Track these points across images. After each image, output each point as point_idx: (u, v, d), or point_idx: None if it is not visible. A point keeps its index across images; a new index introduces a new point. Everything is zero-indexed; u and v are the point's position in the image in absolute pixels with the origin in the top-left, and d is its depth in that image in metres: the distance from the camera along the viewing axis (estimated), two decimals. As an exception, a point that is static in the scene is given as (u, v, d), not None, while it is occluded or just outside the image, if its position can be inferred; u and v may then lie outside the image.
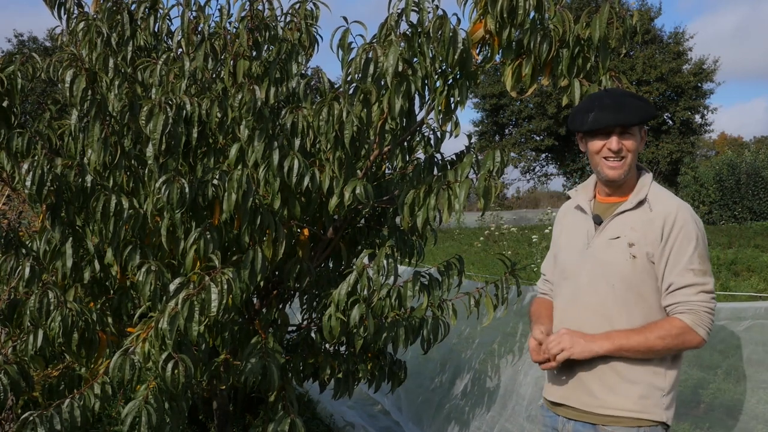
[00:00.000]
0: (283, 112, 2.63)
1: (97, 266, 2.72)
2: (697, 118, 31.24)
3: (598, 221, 2.10)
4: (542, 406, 2.24)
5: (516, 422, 3.47)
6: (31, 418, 2.40)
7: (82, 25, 2.93)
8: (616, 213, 2.05)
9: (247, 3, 2.74)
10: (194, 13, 2.86)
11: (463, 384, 4.07)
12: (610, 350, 1.95)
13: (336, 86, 3.14)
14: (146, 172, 2.68)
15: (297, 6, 3.07)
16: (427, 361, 4.37)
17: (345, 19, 2.65)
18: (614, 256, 2.01)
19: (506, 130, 34.27)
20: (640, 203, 2.03)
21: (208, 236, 2.45)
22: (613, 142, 2.01)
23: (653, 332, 1.92)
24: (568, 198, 2.28)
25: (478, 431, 3.72)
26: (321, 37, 3.08)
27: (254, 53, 2.78)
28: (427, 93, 2.61)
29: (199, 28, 2.86)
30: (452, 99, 2.55)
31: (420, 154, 3.15)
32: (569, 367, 2.07)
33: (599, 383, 2.00)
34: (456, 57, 2.38)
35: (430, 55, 2.45)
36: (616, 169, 2.03)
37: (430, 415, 4.19)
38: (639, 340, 1.92)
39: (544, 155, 34.60)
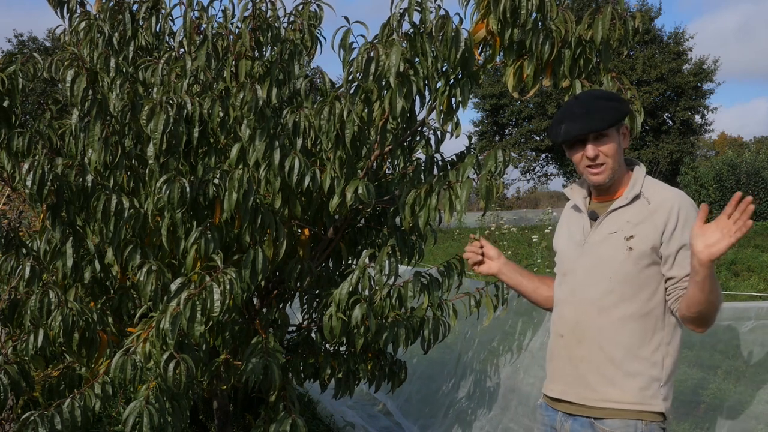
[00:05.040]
0: (284, 112, 2.63)
1: (98, 266, 2.72)
2: (697, 118, 31.24)
3: (593, 217, 2.11)
4: (540, 404, 2.25)
5: (520, 422, 3.47)
6: (32, 418, 2.40)
7: (83, 24, 2.93)
8: (612, 209, 2.06)
9: (250, 3, 2.73)
10: (196, 14, 2.86)
11: (467, 385, 4.07)
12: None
13: (337, 86, 3.14)
14: (147, 171, 2.68)
15: (300, 7, 3.06)
16: (430, 362, 4.37)
17: (347, 18, 2.65)
18: (611, 250, 2.02)
19: (506, 130, 34.26)
20: (636, 198, 2.03)
21: (209, 236, 2.45)
22: (589, 150, 2.01)
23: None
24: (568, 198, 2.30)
25: (482, 430, 3.72)
26: (324, 39, 3.08)
27: (256, 53, 2.78)
28: (428, 93, 2.60)
29: (202, 28, 2.86)
30: (454, 99, 2.55)
31: (420, 154, 3.15)
32: (568, 363, 2.08)
33: (598, 377, 2.01)
34: (458, 57, 2.38)
35: (432, 55, 2.45)
36: (599, 174, 2.03)
37: (436, 417, 4.18)
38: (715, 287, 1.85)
39: (544, 155, 34.59)
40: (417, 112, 2.69)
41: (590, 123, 1.98)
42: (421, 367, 4.61)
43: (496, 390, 3.75)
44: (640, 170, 2.09)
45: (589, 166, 2.03)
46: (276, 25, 2.85)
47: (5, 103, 2.54)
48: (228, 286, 2.24)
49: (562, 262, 2.21)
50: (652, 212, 1.99)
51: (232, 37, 2.79)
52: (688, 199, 2.02)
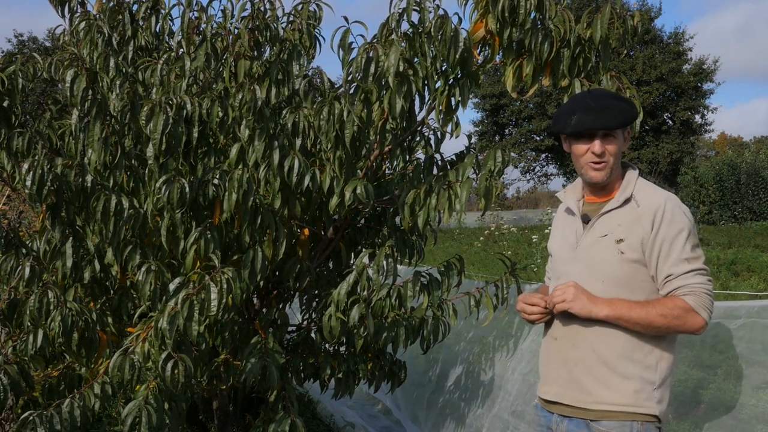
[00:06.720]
0: (284, 112, 2.63)
1: (97, 266, 2.72)
2: (697, 118, 31.23)
3: (585, 220, 2.11)
4: (536, 405, 2.25)
5: (501, 417, 3.49)
6: (31, 418, 2.40)
7: (83, 24, 2.93)
8: (603, 212, 2.07)
9: (249, 3, 2.73)
10: (195, 14, 2.86)
11: (456, 380, 4.09)
12: (609, 316, 1.96)
13: (337, 86, 3.14)
14: (147, 171, 2.68)
15: (299, 7, 3.06)
16: (423, 357, 4.39)
17: (346, 18, 2.65)
18: (603, 253, 2.02)
19: (506, 130, 34.25)
20: (627, 201, 2.04)
21: (209, 236, 2.45)
22: (597, 145, 2.02)
23: (655, 308, 1.93)
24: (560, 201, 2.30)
25: (471, 428, 3.74)
26: (323, 39, 3.08)
27: (255, 53, 2.78)
28: (427, 93, 2.60)
29: (201, 28, 2.86)
30: (453, 99, 2.55)
31: (420, 154, 3.15)
32: (563, 366, 2.08)
33: (592, 379, 2.01)
34: (457, 56, 2.38)
35: (431, 55, 2.45)
36: (600, 171, 2.04)
37: (426, 411, 4.20)
38: (640, 313, 1.93)
39: (544, 155, 34.58)
40: (417, 112, 2.69)
41: (604, 119, 1.99)
42: (409, 360, 4.65)
43: (487, 386, 3.77)
44: (632, 173, 2.10)
45: (592, 162, 2.04)
46: (275, 25, 2.85)
47: (5, 103, 2.55)
48: (225, 286, 2.24)
49: (555, 264, 2.21)
50: (639, 215, 2.00)
51: (231, 37, 2.79)
52: (675, 200, 2.02)
